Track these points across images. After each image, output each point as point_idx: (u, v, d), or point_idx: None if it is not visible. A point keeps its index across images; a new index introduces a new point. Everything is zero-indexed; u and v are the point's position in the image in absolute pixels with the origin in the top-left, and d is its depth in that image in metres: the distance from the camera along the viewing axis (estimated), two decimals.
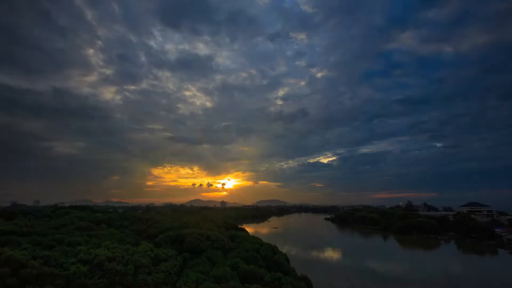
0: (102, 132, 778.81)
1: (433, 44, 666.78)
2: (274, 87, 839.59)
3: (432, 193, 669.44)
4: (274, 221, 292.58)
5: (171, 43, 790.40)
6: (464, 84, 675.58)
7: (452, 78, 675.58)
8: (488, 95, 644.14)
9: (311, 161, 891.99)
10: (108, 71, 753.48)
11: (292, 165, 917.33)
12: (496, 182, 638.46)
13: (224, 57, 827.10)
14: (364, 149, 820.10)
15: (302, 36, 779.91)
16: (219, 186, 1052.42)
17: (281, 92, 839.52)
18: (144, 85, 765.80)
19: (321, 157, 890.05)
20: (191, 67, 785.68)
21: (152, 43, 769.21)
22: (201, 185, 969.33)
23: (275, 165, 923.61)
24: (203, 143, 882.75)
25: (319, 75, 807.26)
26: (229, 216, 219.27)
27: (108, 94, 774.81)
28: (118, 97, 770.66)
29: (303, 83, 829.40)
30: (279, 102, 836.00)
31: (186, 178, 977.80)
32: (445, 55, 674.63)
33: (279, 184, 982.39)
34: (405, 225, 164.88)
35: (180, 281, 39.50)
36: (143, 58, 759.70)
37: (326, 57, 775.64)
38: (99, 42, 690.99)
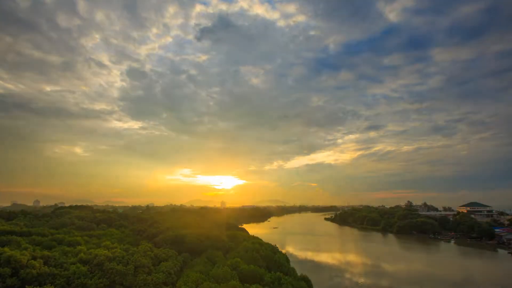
0: (103, 132, 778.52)
1: None
2: (276, 85, 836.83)
3: (432, 193, 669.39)
4: (274, 221, 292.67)
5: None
6: None
7: None
8: None
9: (312, 161, 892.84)
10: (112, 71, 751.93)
11: (292, 165, 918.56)
12: (496, 182, 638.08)
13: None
14: (365, 149, 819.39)
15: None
16: (219, 186, 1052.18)
17: (283, 88, 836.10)
18: (146, 80, 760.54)
19: (322, 157, 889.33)
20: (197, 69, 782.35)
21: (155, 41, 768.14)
22: (201, 185, 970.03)
23: (276, 165, 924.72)
24: (203, 142, 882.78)
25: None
26: (229, 216, 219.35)
27: (111, 91, 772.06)
28: (120, 95, 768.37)
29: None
30: (282, 100, 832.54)
31: (186, 178, 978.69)
32: None
33: (279, 184, 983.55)
34: (405, 225, 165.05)
35: (180, 281, 39.49)
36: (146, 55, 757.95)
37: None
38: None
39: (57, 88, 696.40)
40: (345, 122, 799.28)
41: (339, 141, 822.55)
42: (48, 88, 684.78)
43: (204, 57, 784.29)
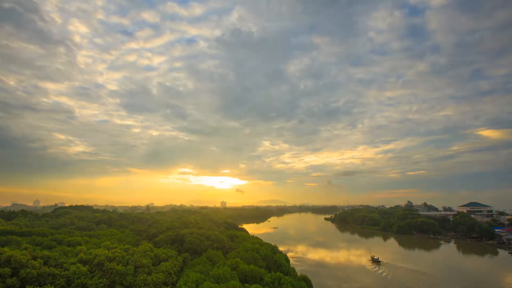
0: (102, 131, 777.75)
1: None
2: (279, 84, 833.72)
3: (432, 193, 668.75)
4: (274, 221, 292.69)
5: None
6: None
7: None
8: None
9: (313, 162, 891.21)
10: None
11: (293, 165, 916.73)
12: (496, 182, 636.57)
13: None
14: (366, 149, 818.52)
15: None
16: (220, 186, 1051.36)
17: (284, 87, 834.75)
18: (139, 76, 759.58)
19: (322, 157, 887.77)
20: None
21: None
22: (201, 185, 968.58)
23: (276, 165, 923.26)
24: (204, 142, 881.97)
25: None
26: (229, 216, 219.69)
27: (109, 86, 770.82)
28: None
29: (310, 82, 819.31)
30: (286, 97, 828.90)
31: (187, 177, 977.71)
32: None
33: (279, 184, 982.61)
34: (405, 225, 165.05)
35: (180, 281, 39.47)
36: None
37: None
38: None
39: (54, 86, 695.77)
40: (347, 122, 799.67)
41: (340, 141, 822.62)
42: (44, 87, 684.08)
43: (204, 53, 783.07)
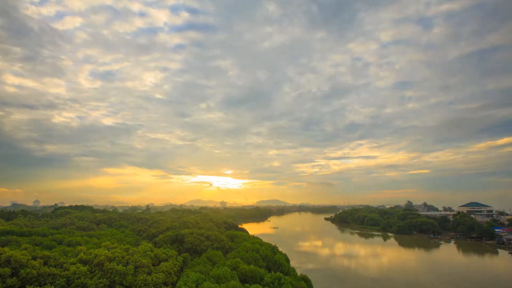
0: (102, 131, 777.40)
1: None
2: (281, 85, 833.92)
3: (432, 193, 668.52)
4: (274, 220, 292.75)
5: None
6: None
7: None
8: None
9: (313, 162, 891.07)
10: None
11: (293, 165, 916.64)
12: (496, 182, 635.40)
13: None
14: (366, 150, 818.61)
15: None
16: (220, 186, 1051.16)
17: (286, 89, 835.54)
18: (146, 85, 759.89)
19: (323, 157, 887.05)
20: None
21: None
22: (201, 185, 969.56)
23: (276, 165, 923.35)
24: (204, 142, 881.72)
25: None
26: (229, 216, 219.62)
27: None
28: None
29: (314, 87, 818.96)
30: (288, 96, 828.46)
31: (187, 177, 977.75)
32: None
33: (279, 184, 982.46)
34: (405, 225, 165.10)
35: (180, 281, 39.47)
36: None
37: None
38: None
39: (49, 83, 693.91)
40: (348, 121, 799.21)
41: (341, 140, 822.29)
42: (41, 84, 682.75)
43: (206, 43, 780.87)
